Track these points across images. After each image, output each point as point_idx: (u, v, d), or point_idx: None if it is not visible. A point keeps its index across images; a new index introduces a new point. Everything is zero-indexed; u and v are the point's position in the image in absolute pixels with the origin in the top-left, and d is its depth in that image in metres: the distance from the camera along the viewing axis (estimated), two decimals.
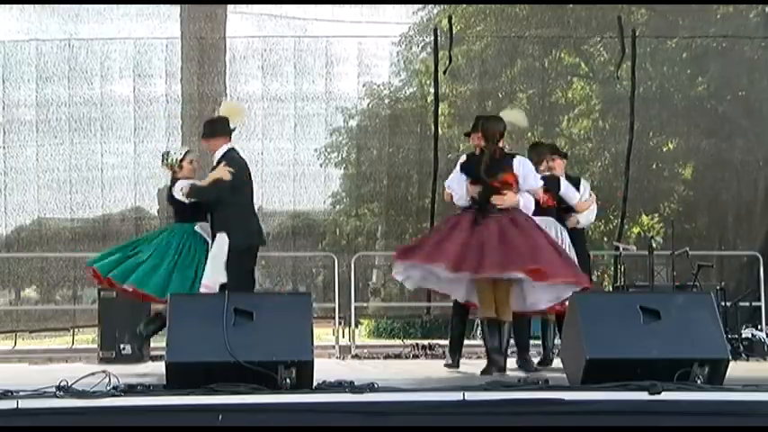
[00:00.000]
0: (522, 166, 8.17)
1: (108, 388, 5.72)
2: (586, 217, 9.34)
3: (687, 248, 10.93)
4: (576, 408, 5.50)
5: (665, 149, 15.16)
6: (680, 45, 14.78)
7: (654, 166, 14.92)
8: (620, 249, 10.98)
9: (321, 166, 14.84)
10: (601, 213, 10.97)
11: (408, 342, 12.86)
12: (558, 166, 9.20)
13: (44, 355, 11.00)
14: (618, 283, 11.89)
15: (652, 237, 11.32)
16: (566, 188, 9.03)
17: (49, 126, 13.13)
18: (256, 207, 14.11)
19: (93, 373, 6.27)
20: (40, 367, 9.94)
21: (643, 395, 5.54)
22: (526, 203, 8.08)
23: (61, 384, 5.52)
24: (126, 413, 5.31)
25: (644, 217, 15.23)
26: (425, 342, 12.17)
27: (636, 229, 15.01)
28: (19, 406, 5.22)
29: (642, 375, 5.71)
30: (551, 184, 8.80)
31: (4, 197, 13.01)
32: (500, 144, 8.36)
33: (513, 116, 8.68)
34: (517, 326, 8.39)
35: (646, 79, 14.36)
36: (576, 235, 9.13)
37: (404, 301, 14.87)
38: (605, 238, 15.15)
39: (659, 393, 5.53)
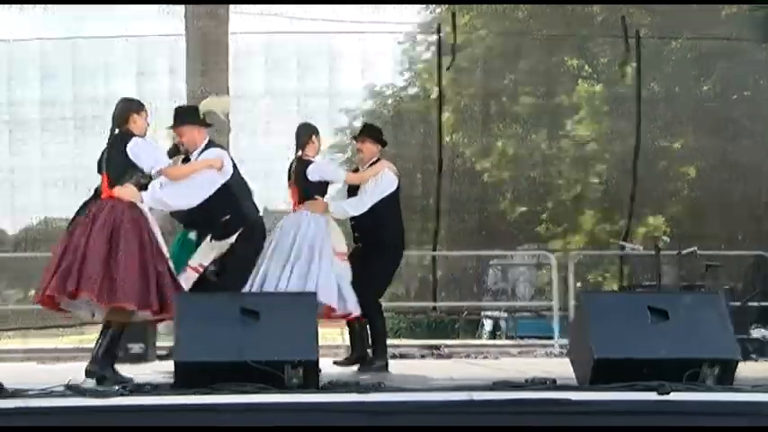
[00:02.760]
0: None
1: (116, 387, 5.73)
2: None
3: (695, 248, 10.90)
4: (583, 408, 5.49)
5: (670, 150, 15.16)
6: (684, 46, 14.78)
7: (660, 167, 14.92)
8: (627, 249, 10.96)
9: None
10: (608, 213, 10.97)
11: (415, 342, 12.87)
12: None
13: (52, 354, 10.99)
14: (624, 284, 11.88)
15: (659, 237, 11.30)
16: None
17: (54, 125, 13.14)
18: (261, 206, 14.20)
19: None
20: (48, 366, 9.93)
21: (652, 395, 5.53)
22: None
23: (70, 383, 5.53)
24: (134, 412, 5.30)
25: (650, 217, 15.23)
26: (432, 342, 12.16)
27: (642, 229, 15.00)
28: (28, 405, 5.22)
29: (651, 376, 5.70)
30: None
31: (11, 196, 13.02)
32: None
33: (212, 104, 8.31)
34: None
35: (650, 80, 14.36)
36: None
37: (410, 300, 14.87)
38: (612, 239, 15.15)
39: (668, 394, 5.52)
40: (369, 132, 9.07)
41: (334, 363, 8.63)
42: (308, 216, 8.49)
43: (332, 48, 13.75)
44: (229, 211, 7.57)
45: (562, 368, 7.05)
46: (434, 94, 14.12)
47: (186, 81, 13.48)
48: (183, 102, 13.18)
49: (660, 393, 5.54)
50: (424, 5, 16.89)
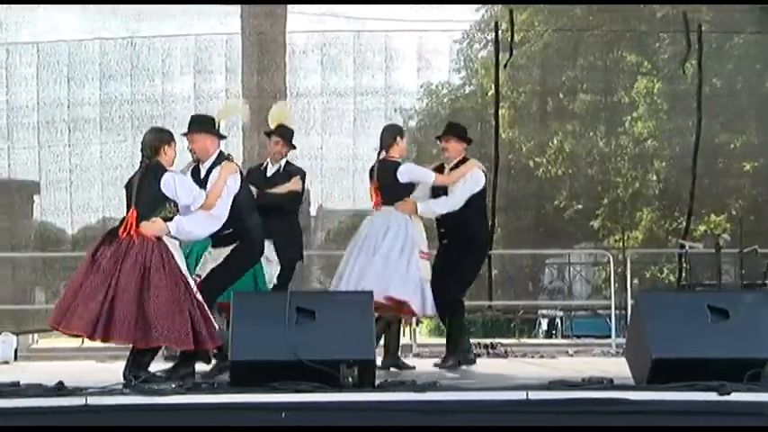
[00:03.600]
0: None
1: (173, 385, 5.77)
2: None
3: (756, 246, 10.76)
4: (641, 407, 5.46)
5: (731, 146, 14.98)
6: (747, 41, 14.59)
7: (720, 164, 14.76)
8: (687, 248, 10.84)
9: None
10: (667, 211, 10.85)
11: (470, 341, 12.82)
12: None
13: (110, 353, 11.08)
14: (684, 282, 11.76)
15: (719, 235, 11.16)
16: None
17: (113, 124, 13.24)
18: (316, 205, 14.20)
19: (159, 371, 6.34)
20: (106, 365, 10.02)
21: (711, 396, 5.48)
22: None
23: (128, 382, 5.58)
24: (191, 410, 5.34)
25: (710, 215, 15.07)
26: (487, 341, 12.12)
27: (702, 227, 14.85)
28: (88, 402, 5.28)
29: (710, 375, 5.63)
30: None
31: (70, 195, 13.15)
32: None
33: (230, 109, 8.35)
34: None
35: (711, 76, 14.19)
36: None
37: (466, 299, 14.81)
38: (671, 237, 15.02)
39: (728, 394, 5.47)
40: (453, 131, 9.06)
41: (435, 365, 8.65)
42: (398, 216, 8.54)
43: (388, 46, 13.74)
44: (232, 225, 7.51)
45: (619, 368, 7.00)
46: (491, 92, 14.06)
47: (243, 80, 13.55)
48: (239, 101, 13.28)
49: (721, 394, 5.48)
50: (482, 4, 16.88)
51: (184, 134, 7.64)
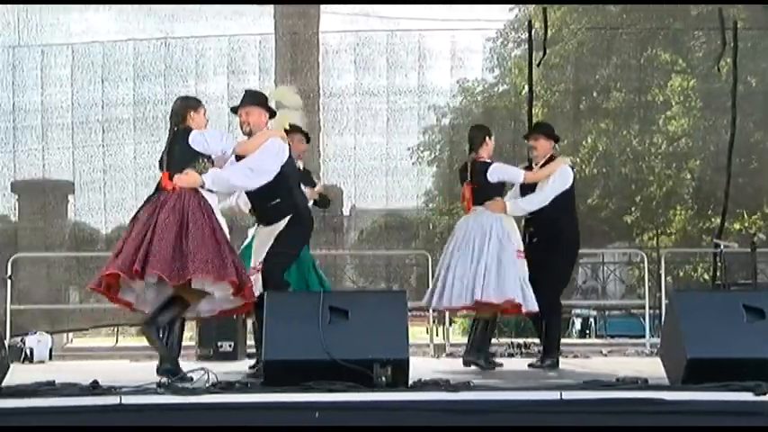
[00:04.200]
0: None
1: (207, 385, 5.79)
2: None
3: None
4: (676, 408, 5.43)
5: (766, 145, 14.87)
6: None
7: (755, 162, 14.65)
8: (722, 247, 10.77)
9: (413, 164, 14.86)
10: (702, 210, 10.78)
11: (503, 340, 12.80)
12: None
13: (144, 352, 11.14)
14: (719, 281, 11.67)
15: (755, 233, 11.08)
16: None
17: (146, 124, 13.31)
18: (350, 204, 14.20)
19: (192, 371, 6.36)
20: (140, 364, 10.07)
21: (747, 396, 5.44)
22: None
23: (162, 381, 5.60)
24: (224, 410, 5.36)
25: (745, 214, 14.96)
26: (520, 340, 12.08)
27: (737, 226, 14.75)
28: (122, 402, 5.31)
29: (746, 375, 5.60)
30: None
31: (104, 195, 13.23)
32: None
33: (279, 94, 8.11)
34: None
35: (746, 74, 14.09)
36: None
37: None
38: (705, 236, 14.93)
39: (764, 394, 5.42)
40: (541, 129, 9.11)
41: (529, 366, 8.70)
42: (490, 216, 8.58)
43: (421, 46, 13.75)
44: (279, 196, 7.46)
45: (653, 368, 6.97)
46: (525, 91, 14.02)
47: (276, 80, 13.58)
48: (273, 100, 13.30)
49: (756, 394, 5.44)
50: (515, 4, 16.84)
51: (235, 108, 7.63)
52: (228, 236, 7.11)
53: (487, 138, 8.87)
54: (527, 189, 8.80)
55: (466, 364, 8.58)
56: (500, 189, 8.73)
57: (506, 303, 8.44)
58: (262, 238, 7.61)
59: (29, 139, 13.25)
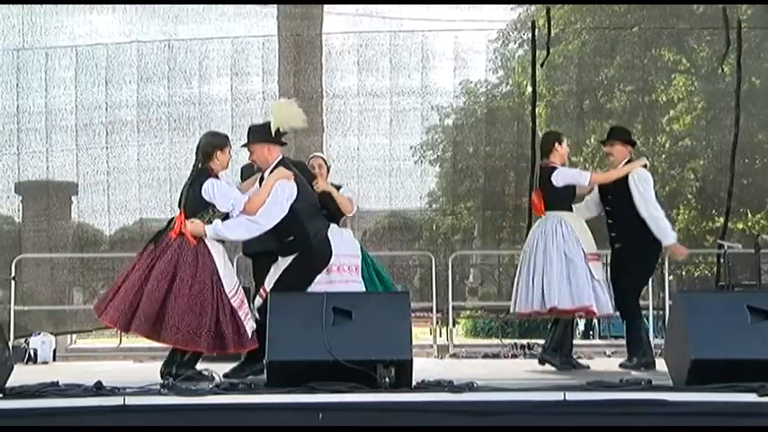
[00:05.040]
0: None
1: (210, 386, 5.80)
2: None
3: None
4: (680, 409, 5.42)
5: None
6: None
7: (759, 163, 14.63)
8: (725, 247, 10.75)
9: (416, 164, 14.85)
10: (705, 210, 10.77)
11: (506, 341, 12.81)
12: None
13: (148, 353, 11.15)
14: (722, 282, 11.65)
15: (758, 234, 11.06)
16: None
17: (150, 126, 13.34)
18: (354, 205, 14.20)
19: (196, 371, 6.36)
20: (144, 365, 10.09)
21: (751, 397, 5.43)
22: None
23: (165, 382, 5.60)
24: (228, 411, 5.36)
25: (749, 214, 14.94)
26: (524, 341, 12.09)
27: (741, 226, 14.73)
28: (126, 403, 5.31)
29: (750, 376, 5.58)
30: None
31: (107, 197, 13.25)
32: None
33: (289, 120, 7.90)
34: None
35: (750, 74, 14.07)
36: None
37: (501, 300, 14.79)
38: (708, 236, 14.90)
39: None
40: (618, 135, 9.03)
41: (620, 365, 8.65)
42: (555, 220, 8.67)
43: (424, 46, 13.74)
44: (293, 233, 7.49)
45: (657, 368, 6.96)
46: (528, 91, 14.02)
47: (279, 81, 13.58)
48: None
49: (760, 395, 5.43)
50: (518, 4, 16.82)
51: (244, 146, 7.74)
52: (232, 285, 7.19)
53: (557, 143, 8.88)
54: (607, 193, 8.82)
55: (541, 362, 8.72)
56: (569, 193, 8.79)
57: (581, 309, 8.60)
58: (279, 265, 7.66)
59: (33, 141, 13.27)
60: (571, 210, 8.83)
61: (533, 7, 16.00)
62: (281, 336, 5.91)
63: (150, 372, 7.07)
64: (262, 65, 13.58)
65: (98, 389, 5.55)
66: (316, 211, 7.72)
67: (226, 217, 7.25)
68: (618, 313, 8.85)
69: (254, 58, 13.58)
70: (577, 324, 17.75)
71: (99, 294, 14.29)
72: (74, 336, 14.20)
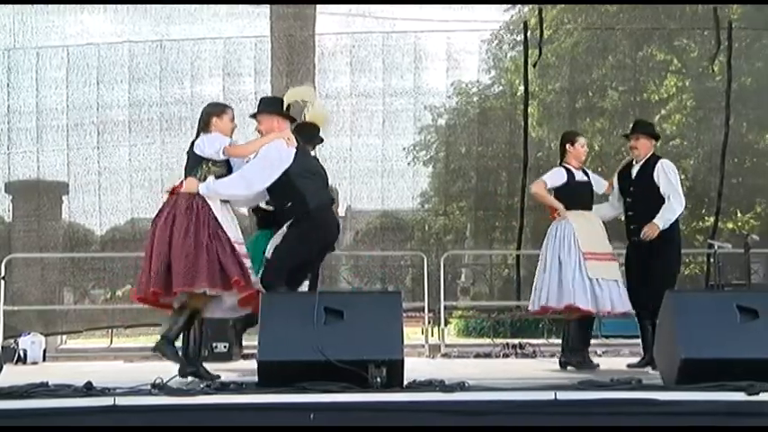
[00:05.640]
0: None
1: (201, 386, 5.79)
2: None
3: None
4: (670, 408, 5.42)
5: (760, 145, 14.89)
6: None
7: (749, 163, 14.66)
8: (715, 247, 10.77)
9: (409, 164, 14.86)
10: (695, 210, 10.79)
11: (498, 341, 12.82)
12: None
13: (139, 353, 11.16)
14: (712, 282, 11.67)
15: (748, 234, 11.07)
16: None
17: (141, 126, 13.32)
18: (345, 205, 14.21)
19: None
20: (135, 365, 10.08)
21: (740, 396, 5.44)
22: None
23: (156, 382, 5.60)
24: (219, 411, 5.36)
25: (739, 213, 14.97)
26: (515, 341, 12.11)
27: (730, 225, 14.76)
28: (116, 403, 5.30)
29: (739, 376, 5.59)
30: None
31: (99, 197, 13.23)
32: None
33: (295, 93, 8.06)
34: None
35: (741, 74, 14.10)
36: None
37: (493, 299, 14.82)
38: (698, 236, 14.92)
39: (757, 394, 5.43)
40: (642, 128, 9.06)
41: (628, 366, 8.67)
42: (560, 221, 8.83)
43: (417, 47, 13.74)
44: (290, 199, 7.49)
45: (647, 368, 6.96)
46: (520, 91, 14.03)
47: (272, 82, 13.58)
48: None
49: (749, 394, 5.44)
50: (512, 5, 16.85)
51: (252, 115, 7.79)
52: (230, 234, 7.23)
53: (569, 144, 9.00)
54: (628, 185, 8.90)
55: (562, 366, 8.76)
56: (569, 194, 8.88)
57: (566, 308, 8.68)
58: (281, 232, 7.68)
59: (24, 140, 13.24)
60: (581, 208, 8.89)
61: (526, 8, 16.02)
62: (273, 335, 5.91)
63: (141, 372, 7.06)
64: (254, 65, 13.57)
65: (88, 389, 5.53)
66: (319, 183, 7.70)
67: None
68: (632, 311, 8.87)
69: (246, 59, 13.56)
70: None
71: (90, 295, 14.35)
72: (64, 336, 14.18)
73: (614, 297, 8.62)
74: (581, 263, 8.63)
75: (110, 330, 14.33)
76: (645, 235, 8.57)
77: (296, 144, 7.51)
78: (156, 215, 7.37)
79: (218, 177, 7.28)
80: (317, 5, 14.05)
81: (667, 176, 8.69)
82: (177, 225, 7.13)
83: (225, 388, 5.74)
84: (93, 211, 13.27)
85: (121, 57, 13.35)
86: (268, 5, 13.80)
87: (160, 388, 5.57)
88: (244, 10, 13.52)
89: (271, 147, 7.37)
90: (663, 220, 8.61)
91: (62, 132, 13.24)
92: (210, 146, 7.27)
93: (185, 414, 5.31)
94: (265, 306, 6.09)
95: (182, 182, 7.34)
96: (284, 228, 7.62)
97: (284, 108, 7.71)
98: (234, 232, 7.29)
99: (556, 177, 9.00)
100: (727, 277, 11.76)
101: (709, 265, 12.74)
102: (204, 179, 7.23)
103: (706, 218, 14.73)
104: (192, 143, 7.41)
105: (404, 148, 14.47)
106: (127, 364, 10.42)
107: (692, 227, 15.34)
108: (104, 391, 5.50)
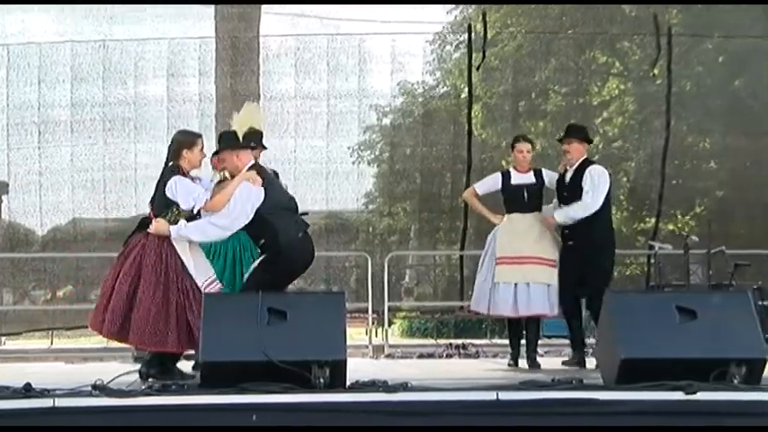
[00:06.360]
0: None
1: (143, 387, 5.76)
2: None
3: (723, 247, 10.82)
4: (610, 408, 5.48)
5: (700, 148, 15.07)
6: (715, 45, 14.69)
7: (689, 165, 14.83)
8: (656, 248, 10.89)
9: (354, 164, 14.86)
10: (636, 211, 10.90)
11: (442, 341, 12.87)
12: None
13: (80, 354, 11.05)
14: (653, 283, 11.80)
15: (688, 235, 11.21)
16: None
17: (84, 126, 13.20)
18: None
19: (128, 372, 6.33)
20: (75, 366, 9.99)
21: (678, 395, 5.51)
22: None
23: (97, 383, 5.56)
24: (160, 412, 5.33)
25: (678, 215, 15.14)
26: (459, 341, 12.16)
27: (671, 227, 14.92)
28: (56, 405, 5.26)
29: (678, 375, 5.66)
30: None
31: (40, 197, 13.10)
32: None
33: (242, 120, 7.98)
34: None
35: (681, 78, 14.28)
36: None
37: (437, 300, 14.87)
38: (639, 237, 15.08)
39: (695, 393, 5.50)
40: (575, 133, 9.07)
41: (563, 363, 8.81)
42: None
43: (362, 50, 13.75)
44: (263, 237, 7.50)
45: (589, 367, 7.01)
46: (465, 94, 14.09)
47: (216, 83, 13.53)
48: (212, 104, 13.25)
49: (687, 393, 5.51)
50: (455, 5, 16.91)
51: (215, 154, 7.81)
52: (205, 278, 7.23)
53: (511, 149, 9.31)
54: (561, 189, 8.97)
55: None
56: (504, 197, 9.17)
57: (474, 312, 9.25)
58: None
59: None
60: (517, 211, 9.05)
61: (470, 9, 16.09)
62: (215, 336, 5.89)
63: (81, 373, 7.02)
64: (198, 66, 13.50)
65: (27, 390, 5.48)
66: (287, 214, 7.67)
67: (193, 217, 7.26)
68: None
69: (190, 60, 13.49)
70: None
71: (30, 295, 14.19)
72: (3, 337, 14.02)
73: (494, 299, 8.87)
74: (492, 265, 8.94)
75: (50, 331, 14.18)
76: (544, 223, 8.83)
77: (262, 181, 7.48)
78: (123, 253, 7.23)
79: (188, 219, 7.24)
80: (263, 5, 14.02)
81: (592, 179, 8.74)
82: (145, 277, 7.04)
83: (166, 389, 5.72)
84: (33, 211, 13.15)
85: (63, 56, 13.22)
86: (212, 6, 13.75)
87: (101, 389, 5.53)
88: (188, 11, 13.45)
89: (239, 193, 7.34)
90: (563, 214, 8.77)
91: (2, 132, 13.08)
92: (184, 198, 7.20)
93: (126, 415, 5.28)
94: (208, 307, 6.08)
95: (151, 217, 7.25)
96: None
97: (242, 139, 7.66)
98: (204, 270, 7.28)
99: (488, 183, 9.31)
100: (667, 278, 11.88)
101: (649, 266, 12.87)
102: (175, 222, 7.16)
103: (647, 219, 14.90)
104: (164, 177, 7.27)
105: (348, 147, 14.48)
106: (67, 366, 10.32)
107: (633, 228, 15.51)
108: (44, 393, 5.45)
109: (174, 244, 7.16)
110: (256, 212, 7.37)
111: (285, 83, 13.65)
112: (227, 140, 7.66)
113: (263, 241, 7.53)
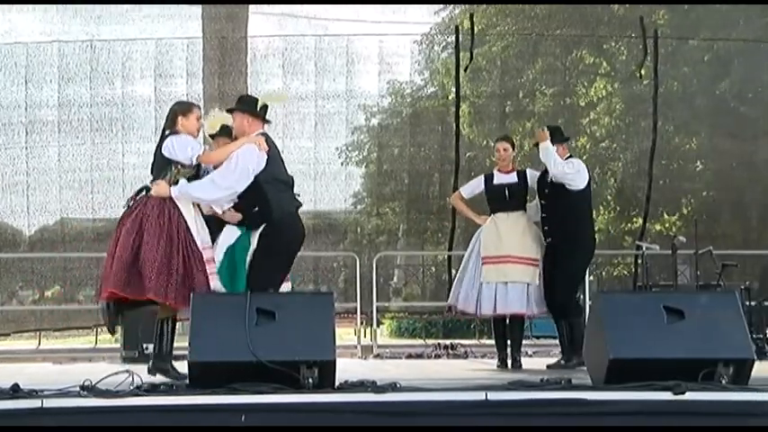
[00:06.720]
0: None
1: (131, 387, 5.74)
2: None
3: (710, 248, 10.86)
4: (598, 408, 5.49)
5: (687, 149, 15.12)
6: (702, 46, 14.73)
7: (676, 166, 14.88)
8: (643, 248, 10.93)
9: (342, 164, 14.86)
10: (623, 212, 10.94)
11: (430, 342, 12.88)
12: None
13: (68, 355, 11.03)
14: (641, 283, 11.84)
15: (675, 236, 11.26)
16: None
17: (71, 126, 13.18)
18: None
19: (116, 373, 6.31)
20: (63, 367, 9.97)
21: (667, 395, 5.52)
22: None
23: (85, 384, 5.54)
24: (149, 412, 5.32)
25: (666, 216, 15.18)
26: (447, 342, 12.18)
27: (658, 227, 14.96)
28: (44, 405, 5.25)
29: (666, 375, 5.67)
30: None
31: (27, 197, 13.07)
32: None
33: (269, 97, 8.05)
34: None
35: (668, 79, 14.32)
36: None
37: (425, 300, 14.88)
38: (627, 237, 15.12)
39: (683, 393, 5.51)
40: (553, 136, 9.07)
41: (548, 366, 8.80)
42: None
43: (350, 50, 13.75)
44: (256, 204, 7.42)
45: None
46: (452, 94, 14.10)
47: (203, 83, 13.51)
48: (200, 104, 13.22)
49: (675, 393, 5.53)
50: (443, 6, 16.92)
51: (228, 110, 7.71)
52: (199, 240, 7.20)
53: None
54: (543, 187, 9.07)
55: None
56: (487, 198, 9.29)
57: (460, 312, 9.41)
58: (253, 242, 7.60)
59: None
60: (499, 211, 9.14)
61: (457, 10, 16.10)
62: (204, 336, 5.88)
63: (69, 373, 7.00)
64: (186, 67, 13.49)
65: (15, 391, 5.46)
66: (284, 191, 7.62)
67: (194, 177, 7.26)
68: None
69: (178, 60, 13.47)
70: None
71: (17, 296, 14.15)
72: None
73: (480, 299, 8.98)
74: (477, 265, 9.07)
75: (38, 332, 14.15)
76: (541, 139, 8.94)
77: (267, 149, 7.44)
78: (123, 216, 7.27)
79: (188, 179, 7.22)
80: (250, 6, 14.00)
81: (574, 164, 8.96)
82: (149, 230, 7.06)
83: (155, 389, 5.70)
84: (21, 211, 13.11)
85: (51, 56, 13.19)
86: (200, 6, 13.73)
87: (89, 390, 5.52)
88: (176, 11, 13.44)
89: (243, 152, 7.29)
90: (546, 149, 8.87)
91: None
92: (182, 151, 7.20)
93: (114, 416, 5.27)
94: (197, 307, 6.07)
95: (152, 182, 7.24)
96: (255, 234, 7.54)
97: (258, 108, 7.61)
98: (203, 236, 7.26)
99: (473, 186, 9.52)
100: (655, 278, 11.94)
101: (637, 267, 12.91)
102: (175, 182, 7.15)
103: (634, 219, 14.94)
104: (160, 142, 7.30)
105: (336, 148, 14.48)
106: (56, 366, 10.30)
107: (620, 228, 15.55)
108: (32, 393, 5.44)
109: (178, 204, 7.16)
110: (255, 178, 7.32)
111: (273, 83, 13.64)
112: (245, 103, 7.63)
113: (255, 209, 7.41)
